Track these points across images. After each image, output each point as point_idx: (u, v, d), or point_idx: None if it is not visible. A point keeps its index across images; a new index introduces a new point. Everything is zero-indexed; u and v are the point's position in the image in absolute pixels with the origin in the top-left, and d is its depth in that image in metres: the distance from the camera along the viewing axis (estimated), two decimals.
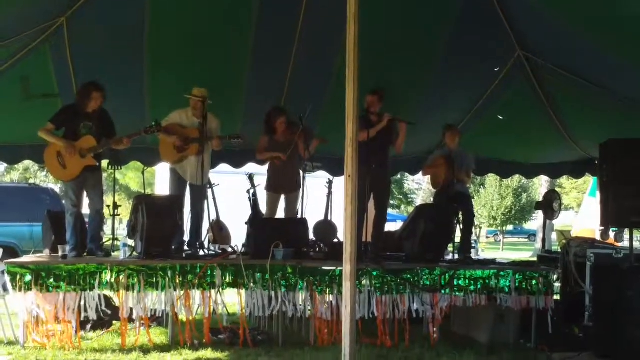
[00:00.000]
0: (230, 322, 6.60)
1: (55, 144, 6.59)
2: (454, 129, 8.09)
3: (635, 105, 6.71)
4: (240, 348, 6.15)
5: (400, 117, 7.16)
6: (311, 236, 7.85)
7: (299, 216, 7.55)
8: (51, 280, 5.92)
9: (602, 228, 6.62)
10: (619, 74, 6.44)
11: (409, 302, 6.44)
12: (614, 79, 6.66)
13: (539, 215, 24.78)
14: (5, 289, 6.17)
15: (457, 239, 7.87)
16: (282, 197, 7.87)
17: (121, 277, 6.00)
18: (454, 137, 8.02)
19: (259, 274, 6.23)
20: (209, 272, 6.19)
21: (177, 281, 6.11)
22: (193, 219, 7.28)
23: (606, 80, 6.74)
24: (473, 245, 8.14)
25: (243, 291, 6.30)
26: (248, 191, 8.73)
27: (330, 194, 9.03)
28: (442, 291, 6.55)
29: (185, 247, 7.11)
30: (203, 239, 7.38)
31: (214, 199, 8.78)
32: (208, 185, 8.30)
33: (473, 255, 7.91)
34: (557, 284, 7.20)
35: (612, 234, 6.75)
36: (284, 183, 7.73)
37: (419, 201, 39.65)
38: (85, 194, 6.81)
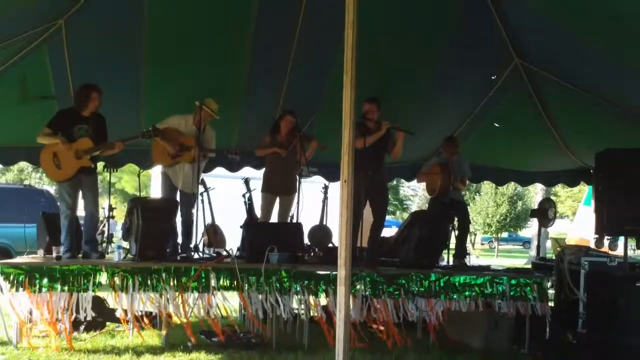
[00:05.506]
0: (224, 324, 6.60)
1: (52, 144, 6.59)
2: (455, 142, 8.12)
3: (632, 115, 6.74)
4: (234, 350, 6.14)
5: (399, 126, 7.17)
6: (306, 241, 7.86)
7: (294, 220, 7.55)
8: (45, 281, 5.90)
9: (597, 236, 6.63)
10: (618, 84, 6.46)
11: (403, 308, 6.44)
12: (612, 89, 6.68)
13: (533, 223, 24.76)
14: None
15: (453, 245, 7.90)
16: (278, 200, 7.88)
17: (115, 278, 5.99)
18: (454, 151, 8.07)
19: (253, 278, 6.23)
20: (204, 275, 6.18)
21: (172, 283, 6.10)
22: (183, 224, 7.29)
23: (604, 90, 6.77)
24: (468, 252, 8.16)
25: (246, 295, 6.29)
26: (243, 195, 8.74)
27: (325, 199, 9.05)
28: (437, 297, 6.56)
29: (180, 250, 7.10)
30: (197, 242, 7.37)
31: (210, 202, 8.78)
32: (203, 189, 8.31)
33: (467, 262, 7.93)
34: (551, 291, 7.21)
35: (606, 242, 6.76)
36: (280, 184, 7.73)
37: (414, 207, 39.81)
38: (80, 195, 6.80)
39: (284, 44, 7.10)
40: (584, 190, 16.64)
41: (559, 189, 33.83)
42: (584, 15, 5.48)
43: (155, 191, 14.66)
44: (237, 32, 6.90)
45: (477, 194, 40.65)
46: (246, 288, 6.20)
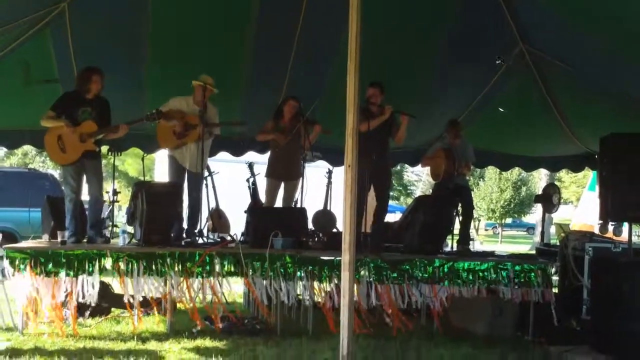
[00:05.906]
0: (229, 310, 6.61)
1: (57, 127, 6.57)
2: (457, 127, 8.10)
3: (636, 102, 6.70)
4: (239, 337, 6.16)
5: (402, 110, 7.15)
6: (310, 226, 7.85)
7: (298, 205, 7.55)
8: (50, 265, 5.90)
9: (601, 222, 6.62)
10: (621, 70, 6.42)
11: (407, 293, 6.45)
12: (616, 76, 6.64)
13: (537, 209, 24.78)
14: (3, 274, 6.17)
15: (456, 231, 7.89)
16: (282, 185, 7.88)
17: (120, 263, 6.00)
18: (456, 134, 8.04)
19: (257, 263, 6.22)
20: (208, 260, 6.19)
21: (176, 269, 6.10)
22: (190, 206, 7.28)
23: (608, 76, 6.73)
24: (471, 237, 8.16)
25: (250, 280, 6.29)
26: (248, 180, 8.73)
27: (329, 183, 9.03)
28: (441, 282, 6.56)
29: (184, 235, 7.10)
30: (202, 227, 7.38)
31: (214, 187, 8.77)
32: (207, 173, 8.30)
33: (471, 248, 7.93)
34: (556, 277, 7.21)
35: (611, 228, 6.75)
36: (285, 170, 7.73)
37: (418, 193, 39.69)
38: (84, 180, 6.80)
39: (285, 41, 7.09)
40: (589, 175, 16.65)
41: (563, 174, 33.77)
42: (588, 13, 5.47)
43: (159, 175, 14.66)
44: (241, 15, 6.87)
45: (481, 179, 40.58)
46: (250, 273, 6.21)
